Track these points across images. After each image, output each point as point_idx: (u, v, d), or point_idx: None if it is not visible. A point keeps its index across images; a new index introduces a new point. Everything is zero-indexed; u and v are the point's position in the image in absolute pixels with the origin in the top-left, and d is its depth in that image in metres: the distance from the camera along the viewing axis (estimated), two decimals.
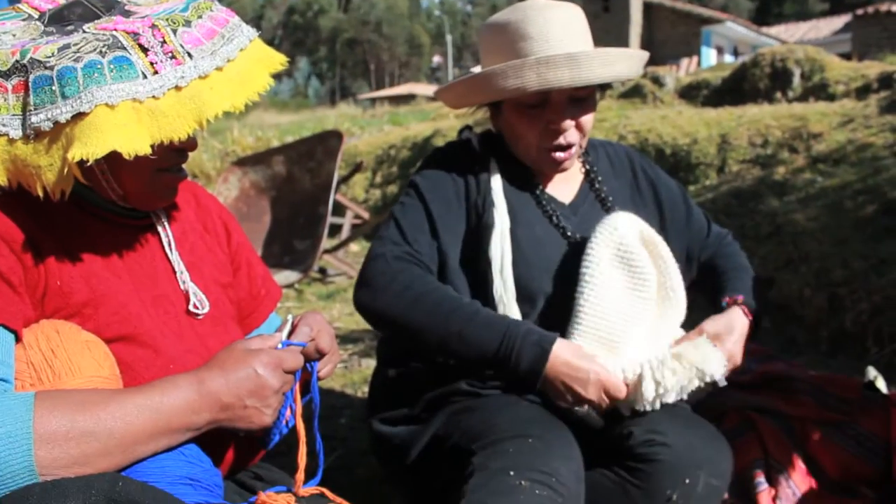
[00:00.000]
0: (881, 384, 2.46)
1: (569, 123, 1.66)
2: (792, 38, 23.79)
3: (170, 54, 1.08)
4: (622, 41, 18.13)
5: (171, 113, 1.06)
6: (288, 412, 1.27)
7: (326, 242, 5.77)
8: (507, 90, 1.60)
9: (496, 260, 1.65)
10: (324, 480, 1.33)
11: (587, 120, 1.70)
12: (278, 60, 1.23)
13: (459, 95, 1.75)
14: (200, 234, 1.43)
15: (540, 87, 1.57)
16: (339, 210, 6.42)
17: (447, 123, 8.77)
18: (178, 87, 1.07)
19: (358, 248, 7.08)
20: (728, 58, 23.11)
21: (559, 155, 1.69)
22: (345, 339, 3.97)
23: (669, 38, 22.67)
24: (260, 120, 21.04)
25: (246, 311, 1.50)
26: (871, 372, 2.54)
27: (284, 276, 5.50)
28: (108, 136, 1.01)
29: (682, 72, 13.64)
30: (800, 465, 2.00)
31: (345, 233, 6.39)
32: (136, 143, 1.03)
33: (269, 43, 1.27)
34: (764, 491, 1.94)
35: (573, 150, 1.70)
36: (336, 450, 2.46)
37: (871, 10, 16.56)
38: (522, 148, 1.73)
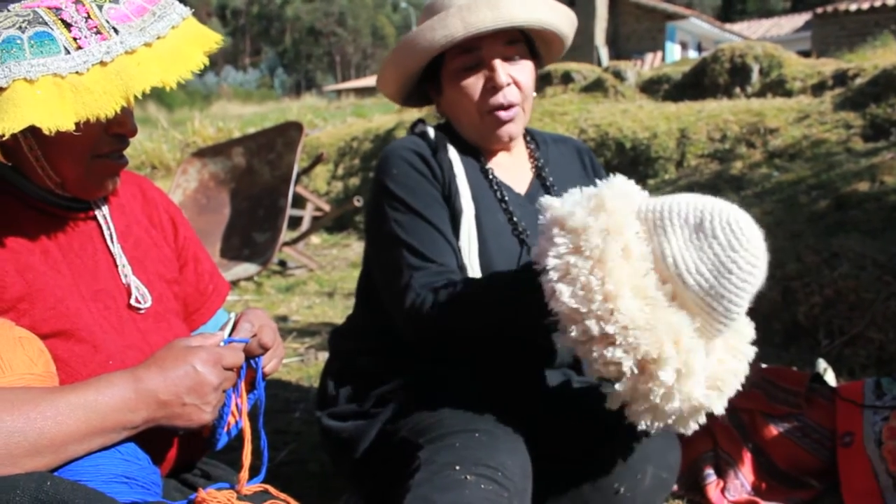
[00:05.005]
0: (830, 376, 2.51)
1: (505, 76, 1.67)
2: (754, 34, 24.05)
3: (94, 30, 1.07)
4: (587, 35, 18.16)
5: (96, 89, 1.04)
6: (234, 409, 1.25)
7: (286, 235, 5.74)
8: (436, 43, 1.63)
9: (465, 246, 1.64)
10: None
11: (524, 78, 1.71)
12: (213, 39, 1.21)
13: (396, 74, 1.74)
14: (146, 228, 1.41)
15: (466, 31, 1.60)
16: (300, 202, 6.37)
17: (410, 116, 8.73)
18: (103, 63, 1.05)
19: (318, 240, 7.03)
20: (692, 53, 23.31)
21: (502, 114, 1.69)
22: (302, 332, 3.94)
23: (634, 32, 22.80)
24: (224, 110, 20.84)
25: (193, 307, 1.48)
26: (822, 364, 2.59)
27: (244, 269, 5.45)
28: (25, 111, 0.99)
29: (647, 66, 13.76)
30: (748, 456, 2.03)
31: (305, 225, 6.35)
32: (57, 118, 1.01)
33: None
34: (712, 483, 1.96)
35: (515, 111, 1.70)
36: (290, 444, 2.44)
37: (830, 8, 16.76)
38: (466, 119, 1.73)
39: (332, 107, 18.26)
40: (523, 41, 1.71)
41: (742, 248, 1.23)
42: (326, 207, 6.46)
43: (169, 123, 12.94)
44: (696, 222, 1.24)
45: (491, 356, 1.62)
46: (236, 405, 1.25)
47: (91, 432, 1.01)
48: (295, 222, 6.39)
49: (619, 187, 1.32)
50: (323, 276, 5.59)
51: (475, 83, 1.68)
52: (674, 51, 22.76)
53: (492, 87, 1.67)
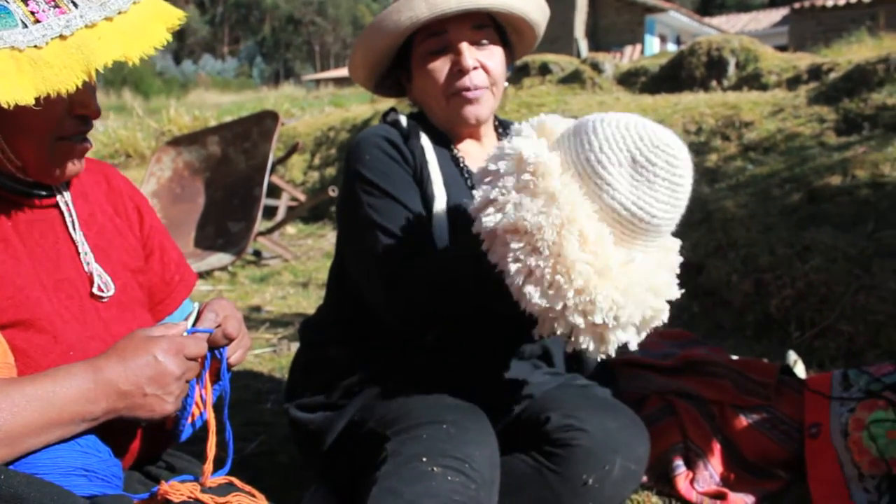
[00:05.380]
0: (800, 368, 2.53)
1: (472, 60, 1.66)
2: (733, 28, 24.16)
3: (52, 3, 1.05)
4: (567, 27, 18.17)
5: (56, 63, 1.02)
6: (198, 400, 1.24)
7: (261, 225, 5.70)
8: (401, 25, 1.63)
9: (436, 233, 1.63)
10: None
11: (493, 63, 1.70)
12: (175, 15, 1.19)
13: (364, 57, 1.73)
14: (110, 216, 1.38)
15: (430, 13, 1.60)
16: (275, 192, 6.33)
17: (386, 105, 8.70)
18: (62, 37, 1.04)
19: (294, 230, 6.99)
20: (671, 46, 23.35)
21: (468, 94, 1.68)
22: (275, 322, 3.92)
23: (614, 25, 22.82)
24: (201, 99, 20.66)
25: (158, 297, 1.45)
26: (792, 356, 2.61)
27: (218, 259, 5.41)
28: None
29: (626, 59, 13.76)
30: (717, 448, 2.04)
31: (280, 215, 6.31)
32: (16, 92, 0.99)
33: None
34: (682, 474, 1.97)
35: (482, 93, 1.69)
36: (260, 435, 2.43)
37: (807, 4, 16.90)
38: (434, 103, 1.73)
39: (310, 96, 18.13)
40: (492, 27, 1.71)
41: (677, 158, 1.25)
42: (302, 197, 6.42)
43: (144, 112, 12.77)
44: (630, 160, 1.24)
45: (465, 344, 1.61)
46: (200, 396, 1.24)
47: (48, 424, 0.99)
48: (270, 212, 6.35)
49: (544, 160, 1.27)
50: (298, 266, 5.56)
51: (442, 67, 1.68)
52: (653, 44, 22.81)
53: (458, 70, 1.66)
